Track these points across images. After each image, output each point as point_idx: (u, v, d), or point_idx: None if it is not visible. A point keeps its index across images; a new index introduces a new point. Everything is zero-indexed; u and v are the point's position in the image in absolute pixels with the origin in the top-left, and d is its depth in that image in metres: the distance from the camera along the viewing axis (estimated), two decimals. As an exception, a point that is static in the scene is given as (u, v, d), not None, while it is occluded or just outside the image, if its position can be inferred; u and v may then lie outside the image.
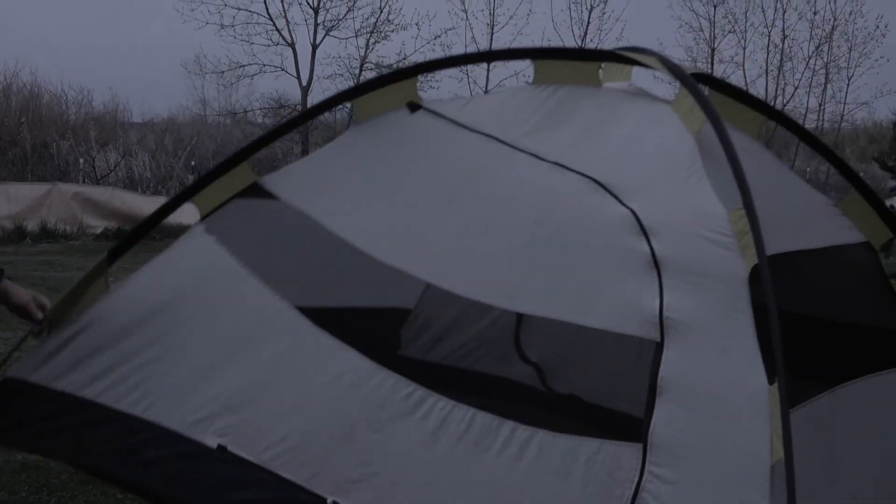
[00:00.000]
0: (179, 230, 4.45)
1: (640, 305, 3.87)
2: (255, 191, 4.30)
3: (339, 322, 4.71)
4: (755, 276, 3.73)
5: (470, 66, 40.42)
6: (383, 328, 6.36)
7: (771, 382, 3.60)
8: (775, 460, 3.54)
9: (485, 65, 39.62)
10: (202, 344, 4.15)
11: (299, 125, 5.29)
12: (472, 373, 6.36)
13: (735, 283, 3.78)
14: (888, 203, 8.21)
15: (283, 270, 4.54)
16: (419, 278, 4.38)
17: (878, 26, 46.64)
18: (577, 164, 4.15)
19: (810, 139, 4.83)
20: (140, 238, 4.40)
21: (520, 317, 6.19)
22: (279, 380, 4.07)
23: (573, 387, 6.08)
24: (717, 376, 3.71)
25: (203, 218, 4.33)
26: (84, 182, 26.65)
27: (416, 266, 4.22)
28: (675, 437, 3.75)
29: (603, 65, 4.80)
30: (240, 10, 37.75)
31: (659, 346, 3.83)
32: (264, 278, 4.22)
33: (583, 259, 4.00)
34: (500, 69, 48.75)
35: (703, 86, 4.51)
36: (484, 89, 39.93)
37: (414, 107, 4.33)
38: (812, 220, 4.54)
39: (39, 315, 4.27)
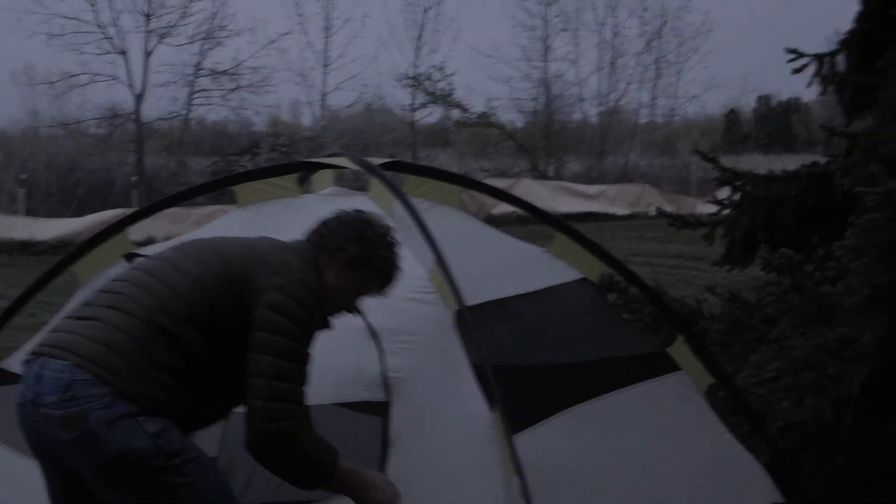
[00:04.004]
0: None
1: (366, 372, 4.23)
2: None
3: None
4: (461, 319, 4.15)
5: (307, 70, 42.27)
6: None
7: (492, 409, 3.97)
8: (508, 477, 3.90)
9: (321, 69, 40.19)
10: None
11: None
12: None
13: (444, 331, 4.19)
14: (713, 195, 8.76)
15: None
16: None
17: (704, 21, 48.43)
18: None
19: (504, 195, 5.29)
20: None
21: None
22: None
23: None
24: (443, 417, 4.04)
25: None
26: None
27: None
28: (410, 482, 4.03)
29: (312, 178, 5.22)
30: (69, 19, 36.28)
31: (387, 405, 4.15)
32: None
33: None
34: (338, 72, 49.41)
35: (398, 173, 4.95)
36: (321, 92, 40.49)
37: (130, 256, 4.62)
38: (524, 268, 4.94)
39: None
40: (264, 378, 3.61)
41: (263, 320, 3.65)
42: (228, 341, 3.70)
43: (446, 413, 4.08)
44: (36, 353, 3.67)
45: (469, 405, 4.05)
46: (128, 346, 3.56)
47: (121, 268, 4.24)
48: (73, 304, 4.45)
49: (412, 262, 4.36)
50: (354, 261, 3.95)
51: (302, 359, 3.71)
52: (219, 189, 5.42)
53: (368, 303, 4.24)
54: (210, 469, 3.74)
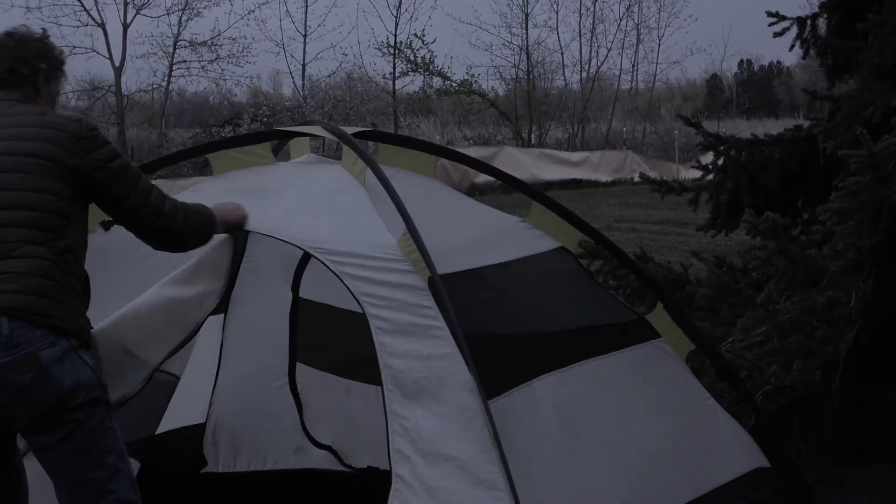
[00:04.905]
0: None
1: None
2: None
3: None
4: (434, 287, 4.08)
5: (287, 40, 45.56)
6: (183, 451, 6.38)
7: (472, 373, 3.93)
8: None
9: (301, 38, 40.88)
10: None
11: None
12: (276, 472, 6.47)
13: (419, 297, 4.09)
14: (697, 160, 8.68)
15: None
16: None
17: (684, -14, 48.11)
18: (269, 232, 4.42)
19: (479, 164, 5.22)
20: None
21: (300, 405, 6.36)
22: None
23: (371, 457, 6.26)
24: (430, 383, 3.94)
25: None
26: None
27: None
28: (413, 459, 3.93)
29: (289, 144, 5.15)
30: (46, -9, 36.25)
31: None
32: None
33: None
34: (318, 42, 49.12)
35: (372, 142, 4.88)
36: (301, 62, 40.89)
37: (107, 225, 4.49)
38: (501, 238, 4.86)
39: None
40: (147, 203, 3.95)
41: (112, 174, 3.88)
42: (83, 217, 3.92)
43: (433, 376, 3.95)
44: None
45: (448, 366, 3.96)
46: (45, 286, 3.61)
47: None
48: None
49: (383, 231, 4.29)
50: (48, 73, 4.14)
51: (140, 173, 4.02)
52: (193, 158, 5.33)
53: (342, 271, 4.14)
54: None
